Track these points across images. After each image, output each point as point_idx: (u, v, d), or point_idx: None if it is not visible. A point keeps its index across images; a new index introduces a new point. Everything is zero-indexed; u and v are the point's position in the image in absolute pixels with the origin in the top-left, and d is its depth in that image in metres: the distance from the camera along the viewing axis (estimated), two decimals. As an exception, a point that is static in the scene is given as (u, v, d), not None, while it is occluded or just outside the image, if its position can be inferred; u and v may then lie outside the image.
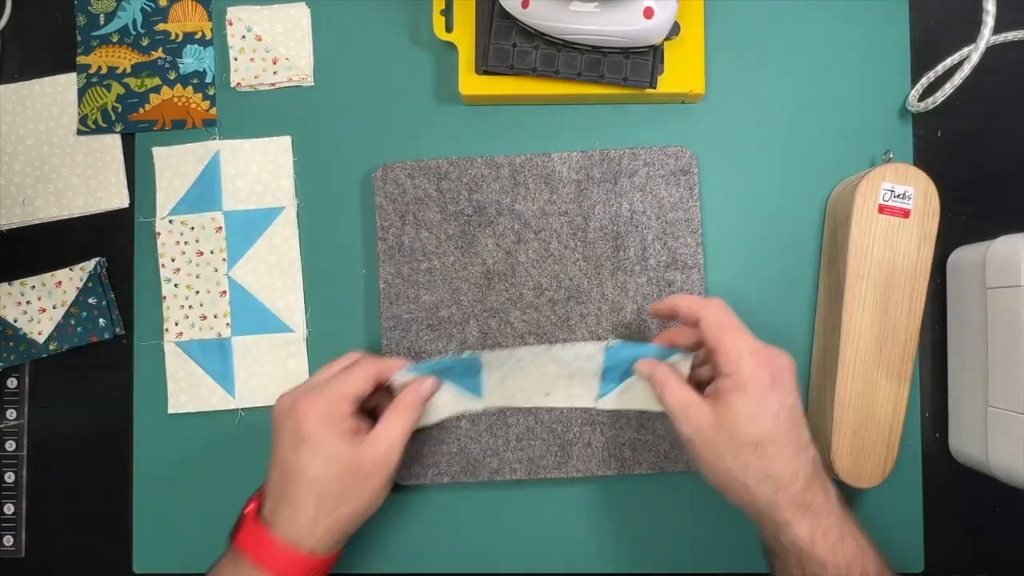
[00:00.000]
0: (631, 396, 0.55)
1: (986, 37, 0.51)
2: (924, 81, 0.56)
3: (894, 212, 0.53)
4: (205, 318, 0.60)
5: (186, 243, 0.61)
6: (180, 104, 0.61)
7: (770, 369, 0.47)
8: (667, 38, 0.54)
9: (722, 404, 0.47)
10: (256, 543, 0.50)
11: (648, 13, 0.51)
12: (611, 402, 0.55)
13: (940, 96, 0.54)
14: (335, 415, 0.51)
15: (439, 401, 0.55)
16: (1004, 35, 0.55)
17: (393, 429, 0.51)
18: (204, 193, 0.61)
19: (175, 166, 0.61)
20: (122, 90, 0.61)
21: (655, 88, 0.55)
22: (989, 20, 0.51)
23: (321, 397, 0.51)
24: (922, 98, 0.56)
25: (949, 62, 0.55)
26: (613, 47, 0.54)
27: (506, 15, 0.55)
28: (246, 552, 0.49)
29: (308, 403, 0.51)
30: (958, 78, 0.53)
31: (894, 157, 0.55)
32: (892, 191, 0.53)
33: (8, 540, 0.61)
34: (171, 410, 0.60)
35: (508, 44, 0.56)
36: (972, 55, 0.52)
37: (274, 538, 0.49)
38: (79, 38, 0.62)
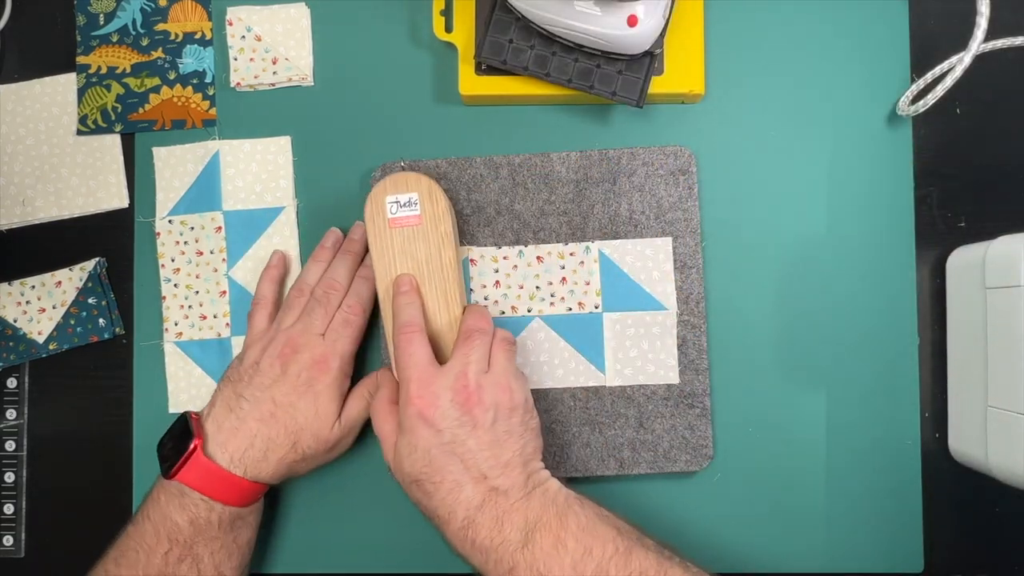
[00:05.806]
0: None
1: (977, 43, 0.51)
2: (914, 88, 0.56)
3: (407, 222, 0.53)
4: (205, 318, 0.60)
5: (186, 243, 0.61)
6: (180, 104, 0.61)
7: (424, 406, 0.48)
8: (650, 52, 0.54)
9: (398, 438, 0.50)
10: (213, 481, 0.50)
11: (632, 21, 0.50)
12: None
13: (931, 99, 0.54)
14: (345, 376, 0.54)
15: None
16: (996, 42, 0.55)
17: (360, 415, 0.55)
18: (204, 193, 0.61)
19: (175, 166, 0.61)
20: (122, 90, 0.62)
21: (642, 107, 0.55)
22: (980, 30, 0.51)
23: (335, 352, 0.53)
24: (913, 102, 0.55)
25: (938, 70, 0.55)
26: (596, 50, 0.54)
27: (507, 9, 0.55)
28: (195, 488, 0.50)
29: (329, 357, 0.53)
30: (949, 80, 0.53)
31: (406, 167, 0.56)
32: (398, 202, 0.53)
33: (8, 540, 0.61)
34: (171, 410, 0.60)
35: (505, 39, 0.56)
36: (961, 61, 0.52)
37: (232, 476, 0.51)
38: (79, 38, 0.62)
